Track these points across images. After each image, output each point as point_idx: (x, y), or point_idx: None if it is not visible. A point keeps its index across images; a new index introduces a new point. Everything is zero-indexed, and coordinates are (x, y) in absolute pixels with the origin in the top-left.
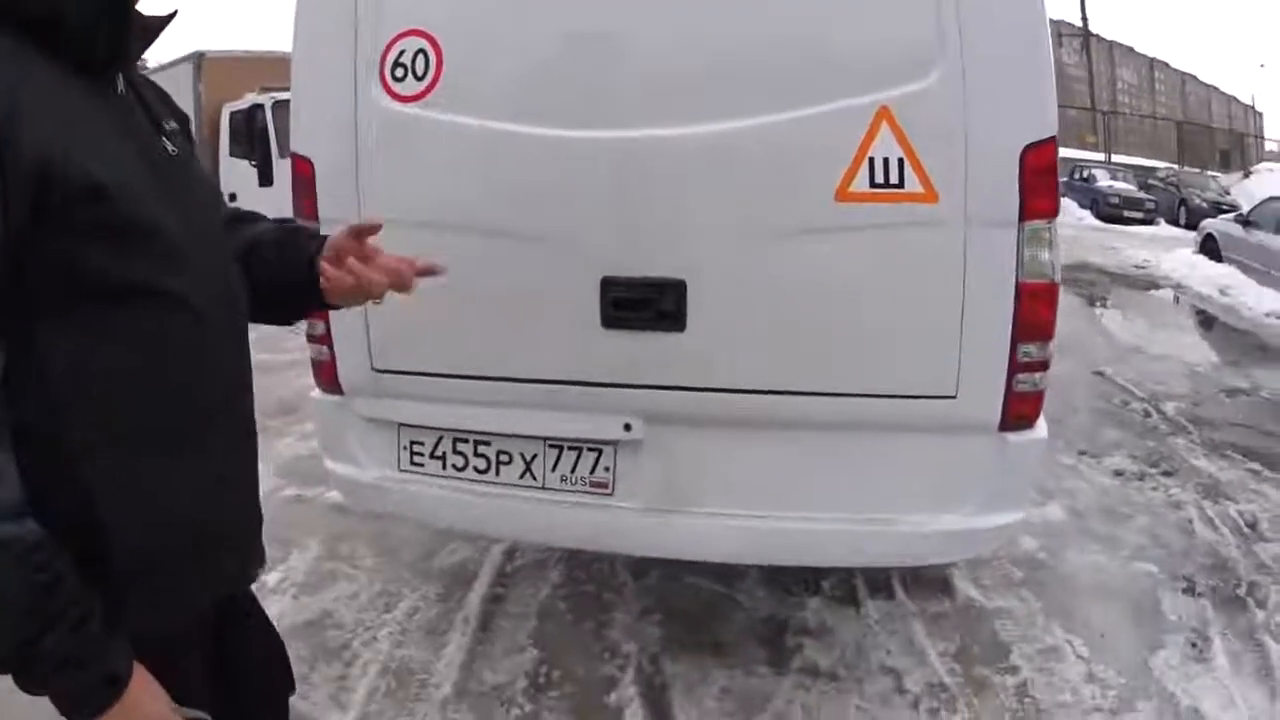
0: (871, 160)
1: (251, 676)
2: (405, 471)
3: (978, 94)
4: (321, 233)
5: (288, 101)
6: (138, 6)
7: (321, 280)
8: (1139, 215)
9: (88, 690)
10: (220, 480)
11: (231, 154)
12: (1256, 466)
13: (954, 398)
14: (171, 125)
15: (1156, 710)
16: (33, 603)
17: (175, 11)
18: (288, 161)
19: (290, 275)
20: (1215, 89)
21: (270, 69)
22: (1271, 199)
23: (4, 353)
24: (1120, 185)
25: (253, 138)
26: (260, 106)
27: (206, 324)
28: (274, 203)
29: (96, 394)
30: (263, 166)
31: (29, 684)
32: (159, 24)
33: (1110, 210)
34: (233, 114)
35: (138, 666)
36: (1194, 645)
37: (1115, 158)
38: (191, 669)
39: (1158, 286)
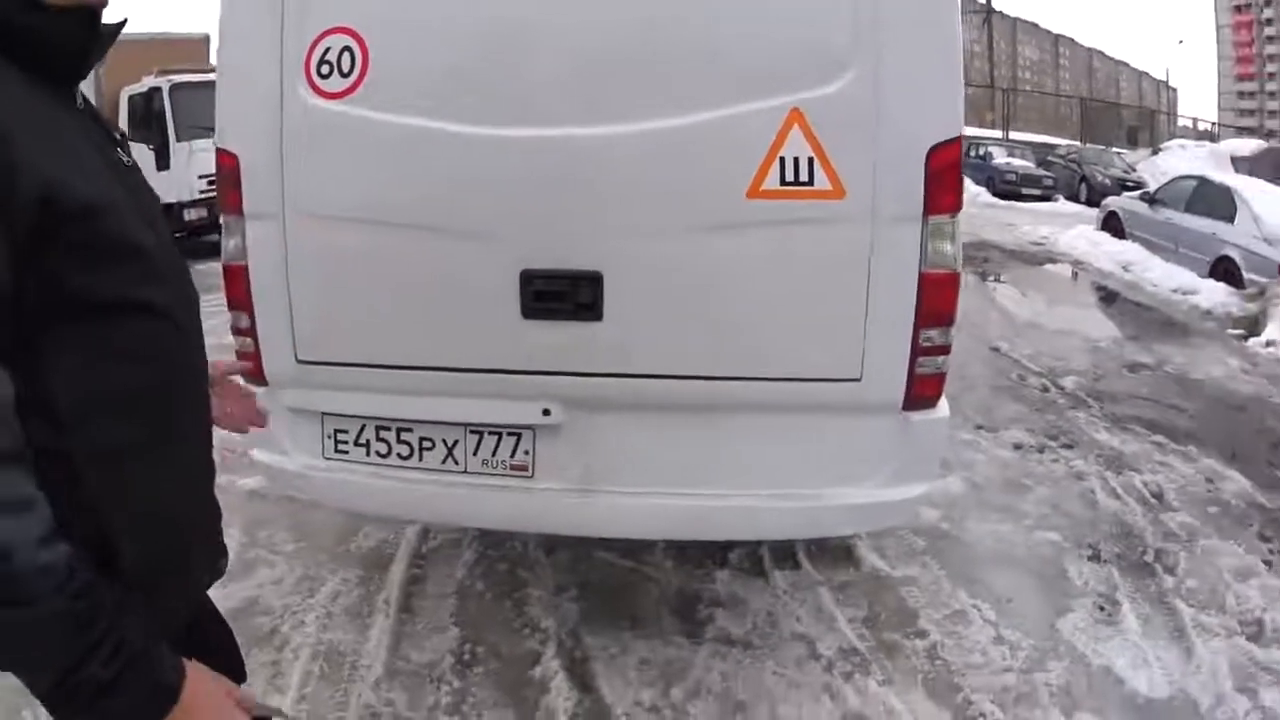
0: (782, 159)
1: (213, 667)
2: (330, 459)
3: (888, 96)
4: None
5: (186, 85)
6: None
7: None
8: (1036, 192)
9: (137, 707)
10: (199, 478)
11: (130, 138)
12: (1161, 439)
13: (859, 380)
14: (118, 134)
15: (1068, 669)
16: (74, 631)
17: (125, 20)
18: (185, 145)
19: None
20: (1125, 65)
21: (169, 52)
22: (1181, 177)
23: (13, 382)
24: (1018, 162)
25: (150, 121)
26: (158, 89)
27: (182, 330)
28: (171, 186)
29: (95, 409)
30: (160, 150)
31: (72, 713)
32: (113, 32)
33: (1006, 187)
34: (131, 97)
35: (192, 665)
36: (1102, 609)
37: (1015, 135)
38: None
39: (1056, 262)
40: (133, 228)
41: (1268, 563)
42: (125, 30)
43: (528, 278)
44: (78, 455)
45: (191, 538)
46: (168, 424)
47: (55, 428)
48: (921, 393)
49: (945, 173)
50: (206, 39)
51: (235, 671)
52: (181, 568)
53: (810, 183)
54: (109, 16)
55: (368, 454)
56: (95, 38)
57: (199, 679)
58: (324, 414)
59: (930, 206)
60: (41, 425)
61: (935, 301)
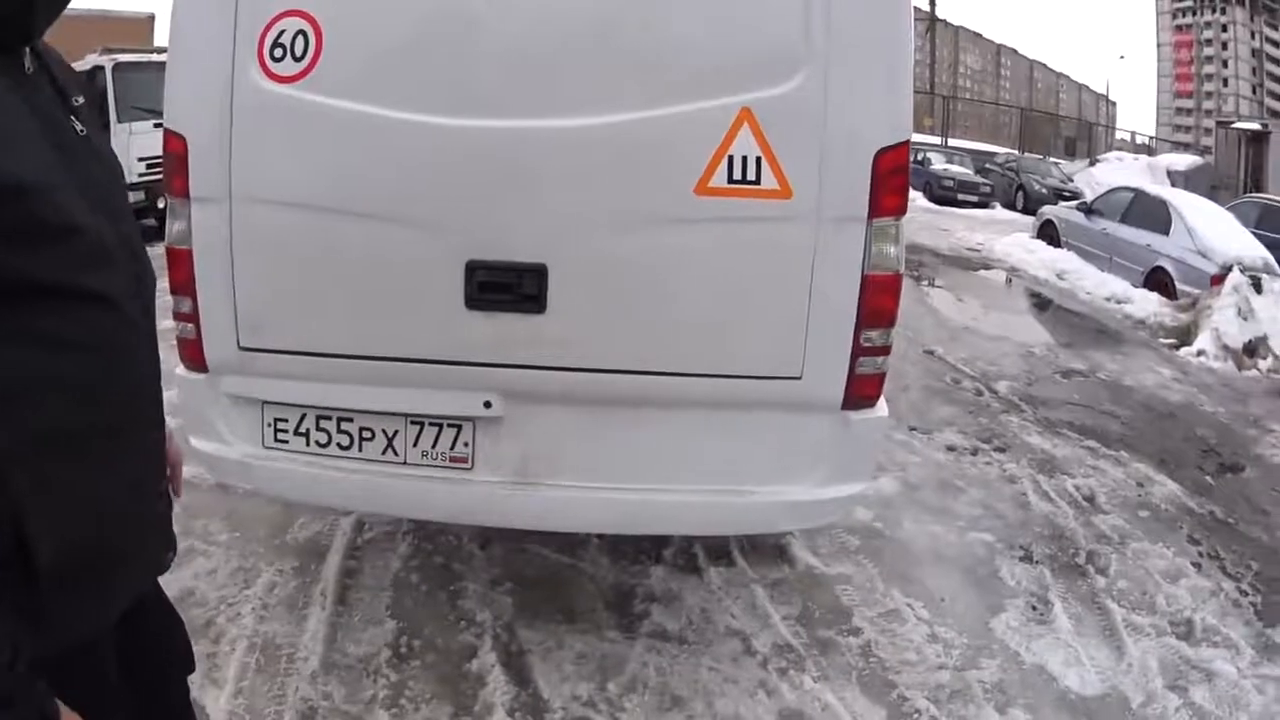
0: (731, 158)
1: (154, 655)
2: (270, 448)
3: (838, 99)
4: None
5: (130, 64)
6: None
7: None
8: (973, 199)
9: None
10: (143, 476)
11: None
12: (1093, 444)
13: (799, 379)
14: (78, 100)
15: (1001, 667)
16: None
17: None
18: (125, 127)
19: None
20: (1066, 77)
21: (114, 30)
22: (1117, 188)
23: None
24: (955, 168)
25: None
26: (101, 68)
27: (125, 318)
28: None
29: (22, 400)
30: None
31: None
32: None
33: (943, 193)
34: None
35: (58, 703)
36: (1034, 608)
37: (954, 142)
38: (106, 655)
39: (991, 269)
40: (73, 209)
41: (1197, 564)
42: (71, 6)
43: (472, 268)
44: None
45: (131, 531)
46: (106, 419)
47: None
48: (861, 392)
49: (891, 176)
50: (152, 18)
51: (180, 662)
52: (117, 562)
53: (757, 182)
54: None
55: (307, 443)
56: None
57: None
58: (264, 402)
59: (875, 209)
60: None
61: (877, 302)
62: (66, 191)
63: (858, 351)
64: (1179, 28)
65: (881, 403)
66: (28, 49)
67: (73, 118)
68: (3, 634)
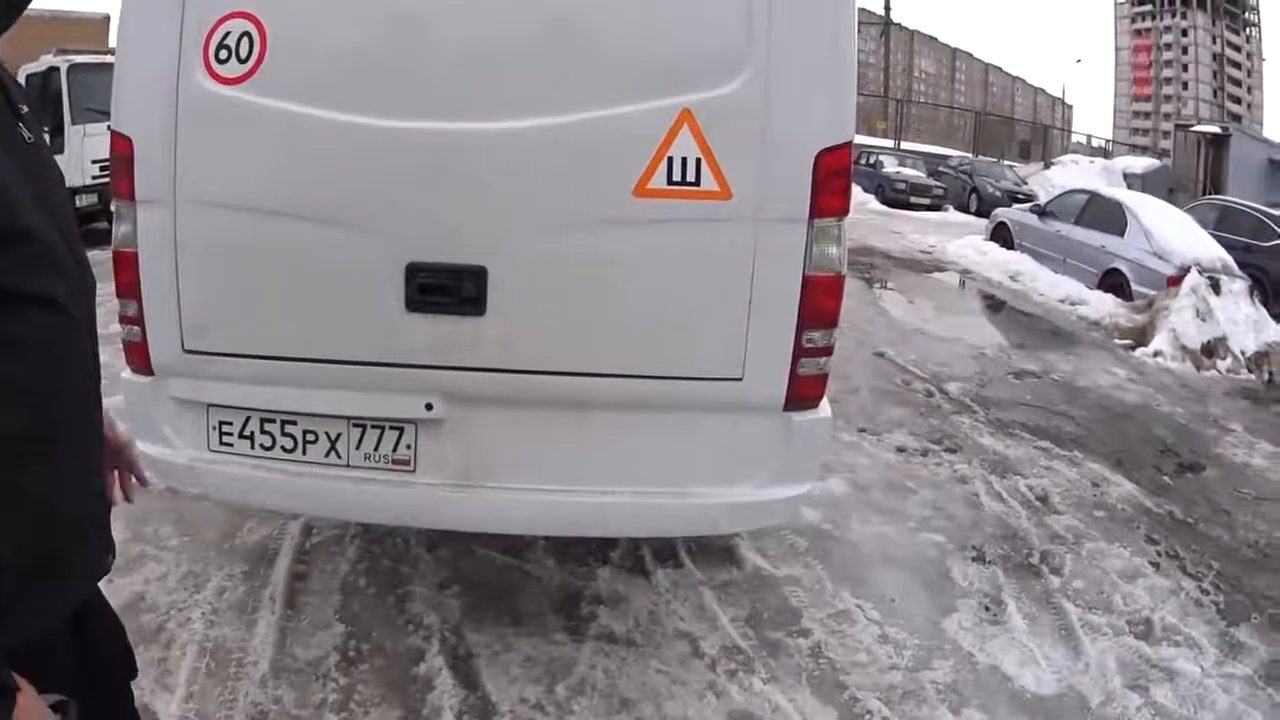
0: (670, 159)
1: (95, 660)
2: (215, 451)
3: (779, 100)
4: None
5: (84, 65)
6: None
7: None
8: (926, 201)
9: None
10: (86, 473)
11: None
12: (1046, 444)
13: (740, 380)
14: (24, 108)
15: (954, 668)
16: None
17: None
18: (79, 129)
19: None
20: (1021, 80)
21: (69, 31)
22: (1072, 191)
23: None
24: (908, 171)
25: (46, 102)
26: (56, 70)
27: (69, 321)
28: (63, 169)
29: None
30: (53, 133)
31: None
32: (19, 4)
33: (896, 195)
34: (29, 76)
35: (17, 680)
36: (987, 609)
37: (907, 145)
38: (61, 655)
39: (944, 271)
40: (23, 212)
41: (1155, 564)
42: (27, 8)
43: (412, 270)
44: None
45: (72, 535)
46: (52, 419)
47: None
48: (803, 393)
49: (833, 177)
50: (107, 19)
51: (122, 667)
52: (59, 567)
53: (697, 183)
54: None
55: (252, 446)
56: None
57: (26, 690)
58: (209, 405)
59: (816, 209)
60: None
61: (818, 303)
62: (18, 196)
63: (799, 353)
64: (1138, 31)
65: (825, 404)
66: None
67: (20, 124)
68: None
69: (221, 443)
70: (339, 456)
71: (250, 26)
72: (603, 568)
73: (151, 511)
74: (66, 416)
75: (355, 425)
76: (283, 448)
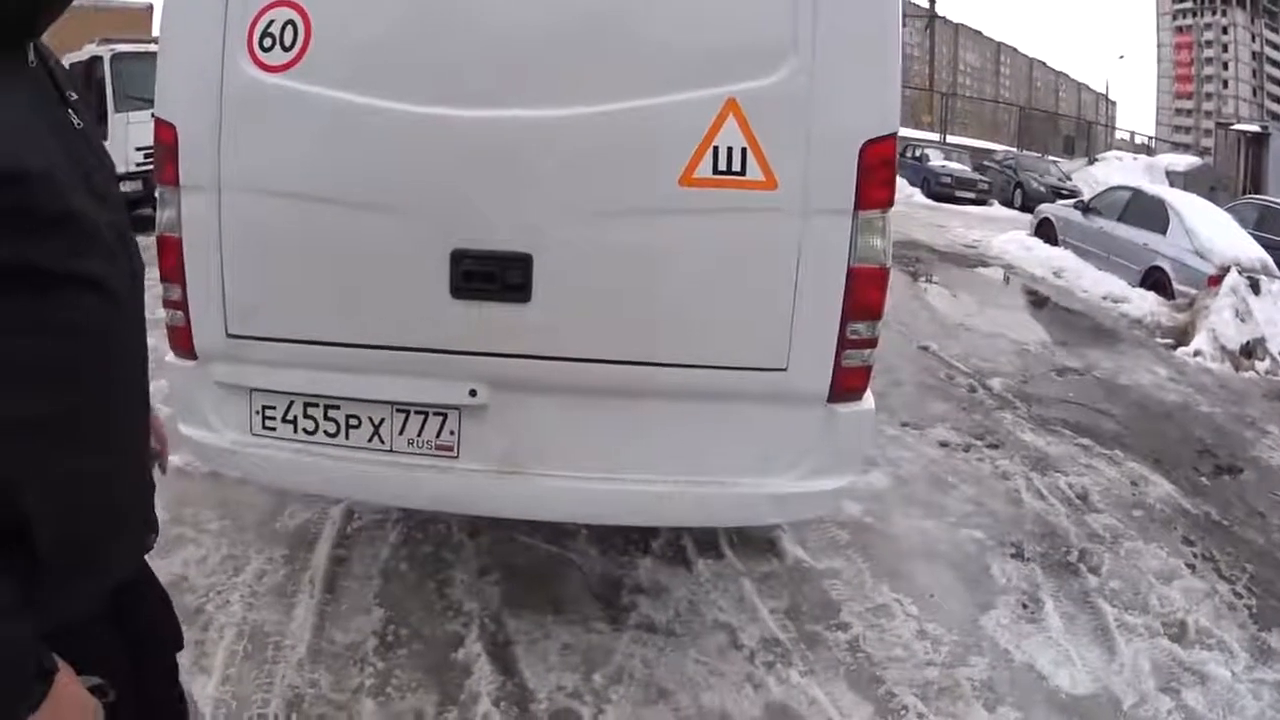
0: (716, 149)
1: (142, 633)
2: (258, 436)
3: (824, 91)
4: None
5: (127, 54)
6: None
7: None
8: (971, 196)
9: (25, 686)
10: (131, 457)
11: None
12: (1087, 442)
13: (785, 370)
14: (73, 95)
15: (990, 665)
16: None
17: None
18: (123, 117)
19: None
20: (1066, 75)
21: (112, 20)
22: (1115, 187)
23: None
24: (954, 165)
25: (90, 90)
26: (99, 59)
27: (119, 305)
28: None
29: (19, 383)
30: (97, 120)
31: None
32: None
33: (941, 189)
34: (72, 65)
35: (58, 661)
36: (1025, 606)
37: (952, 139)
38: (103, 633)
39: (988, 266)
40: (70, 196)
41: (1191, 566)
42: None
43: (458, 257)
44: None
45: (118, 515)
46: (99, 403)
47: None
48: (847, 385)
49: (878, 168)
50: (150, 9)
51: (168, 639)
52: (103, 547)
53: (742, 173)
54: None
55: (295, 431)
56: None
57: (66, 671)
58: (252, 390)
59: (861, 201)
60: None
61: (863, 295)
62: (67, 180)
63: (843, 344)
64: (1179, 29)
65: (868, 396)
66: (31, 44)
67: (70, 111)
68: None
69: (264, 427)
70: (382, 442)
71: (294, 15)
72: (644, 557)
73: (192, 495)
74: (115, 399)
75: (399, 411)
76: (325, 432)
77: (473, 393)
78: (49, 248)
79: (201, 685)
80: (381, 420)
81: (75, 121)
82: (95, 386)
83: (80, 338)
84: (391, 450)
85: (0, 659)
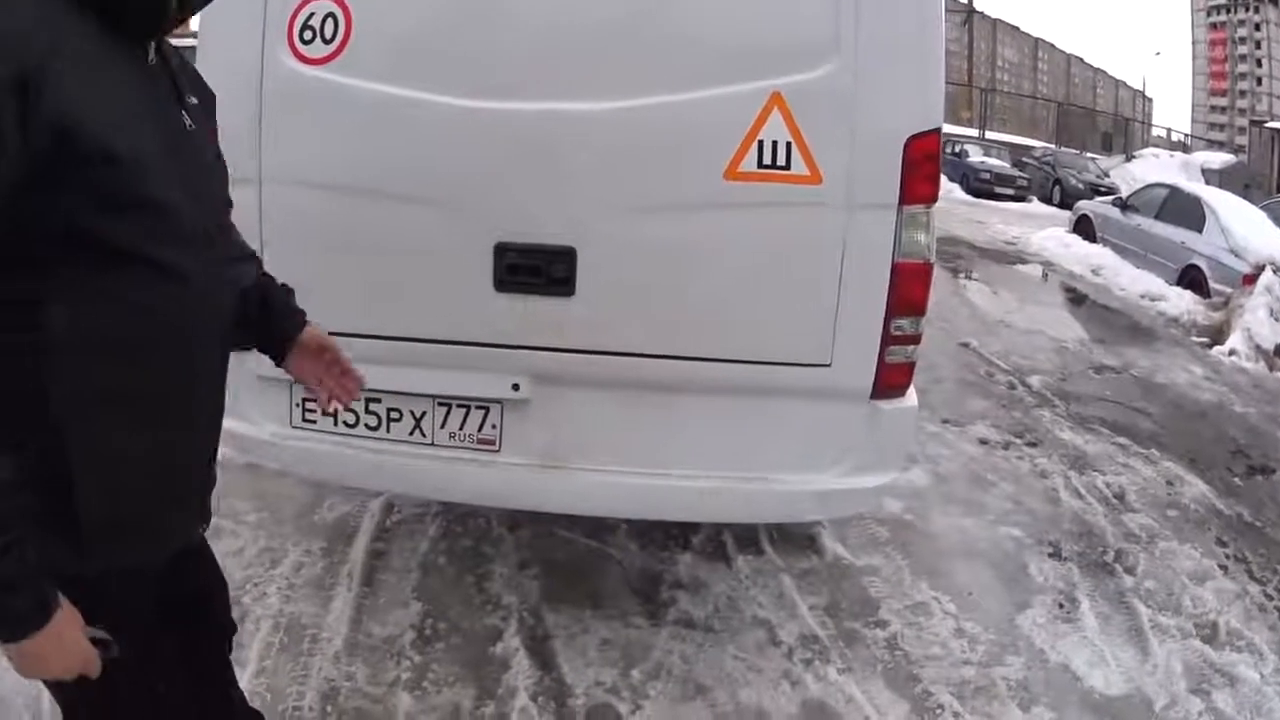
0: (761, 142)
1: (193, 610)
2: (298, 428)
3: (868, 85)
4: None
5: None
6: None
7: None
8: (1010, 192)
9: (21, 612)
10: (192, 449)
11: None
12: (1125, 441)
13: (829, 366)
14: (192, 100)
15: (1026, 665)
16: None
17: None
18: None
19: (264, 339)
20: (1103, 72)
21: None
22: (1152, 185)
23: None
24: (993, 161)
25: None
26: None
27: (200, 298)
28: None
29: (88, 356)
30: None
31: None
32: (199, 3)
33: (981, 185)
34: None
35: (63, 602)
36: (1061, 606)
37: (990, 134)
38: (144, 604)
39: (1027, 262)
40: (160, 185)
41: (1223, 567)
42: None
43: (501, 250)
44: (57, 395)
45: (164, 504)
46: (164, 388)
47: (40, 364)
48: (890, 381)
49: (922, 163)
50: None
51: (221, 620)
52: (144, 530)
53: (787, 167)
54: None
55: (335, 424)
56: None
57: (69, 614)
58: (293, 382)
59: (906, 196)
60: (29, 357)
61: (907, 291)
62: (159, 171)
63: (887, 340)
64: (1213, 25)
65: (911, 392)
66: (153, 44)
67: (184, 112)
68: (13, 527)
69: (305, 420)
70: (423, 435)
71: (334, 7)
72: (684, 553)
73: (230, 487)
74: (177, 383)
75: (440, 404)
76: (366, 425)
77: (515, 386)
78: (125, 229)
79: (236, 676)
80: (423, 414)
81: (187, 123)
82: (158, 368)
83: (148, 318)
84: (433, 444)
85: None
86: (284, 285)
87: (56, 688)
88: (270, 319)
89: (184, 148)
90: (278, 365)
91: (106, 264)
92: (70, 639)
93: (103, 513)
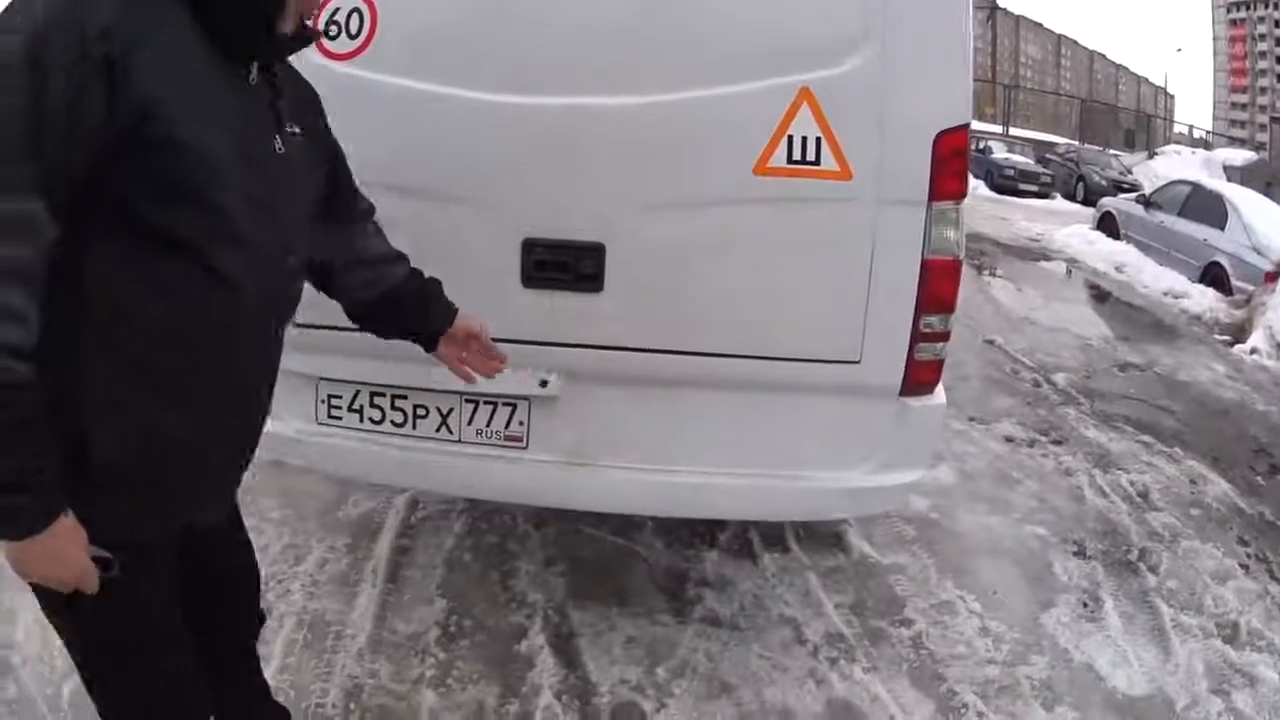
0: (790, 138)
1: (221, 576)
2: (323, 424)
3: (896, 80)
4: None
5: None
6: (283, 25)
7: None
8: (1034, 188)
9: (22, 512)
10: (215, 441)
11: None
12: (1148, 439)
13: (858, 363)
14: (292, 130)
15: (1050, 664)
16: None
17: (318, 34)
18: None
19: (418, 332)
20: (1125, 69)
21: None
22: (1176, 182)
23: (57, 237)
24: (1017, 158)
25: None
26: None
27: (245, 307)
28: None
29: (121, 324)
30: None
31: None
32: (301, 43)
33: (1005, 182)
34: None
35: (69, 515)
36: (1085, 605)
37: (1014, 131)
38: (151, 583)
39: (1051, 259)
40: (224, 188)
41: (1245, 566)
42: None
43: (529, 246)
44: (85, 353)
45: (175, 483)
46: (193, 378)
47: (75, 321)
48: (919, 378)
49: (951, 159)
50: None
51: (251, 601)
52: (153, 499)
53: (817, 162)
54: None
55: (361, 420)
56: (258, 27)
57: (72, 530)
58: (319, 379)
59: (935, 192)
60: (64, 311)
61: (936, 288)
62: (226, 174)
63: (917, 337)
64: (1233, 21)
65: (939, 390)
66: (254, 65)
67: (277, 136)
68: (40, 441)
69: (330, 416)
70: (450, 432)
71: (359, 3)
72: (710, 550)
73: (254, 483)
74: (207, 382)
75: (467, 401)
76: (392, 422)
77: (543, 383)
78: (183, 222)
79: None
80: (450, 410)
81: (278, 147)
82: (194, 358)
83: (191, 313)
84: (459, 440)
85: None
86: (433, 279)
87: (70, 648)
88: (428, 318)
89: (268, 167)
90: (427, 353)
91: (162, 254)
92: (70, 553)
93: (110, 478)
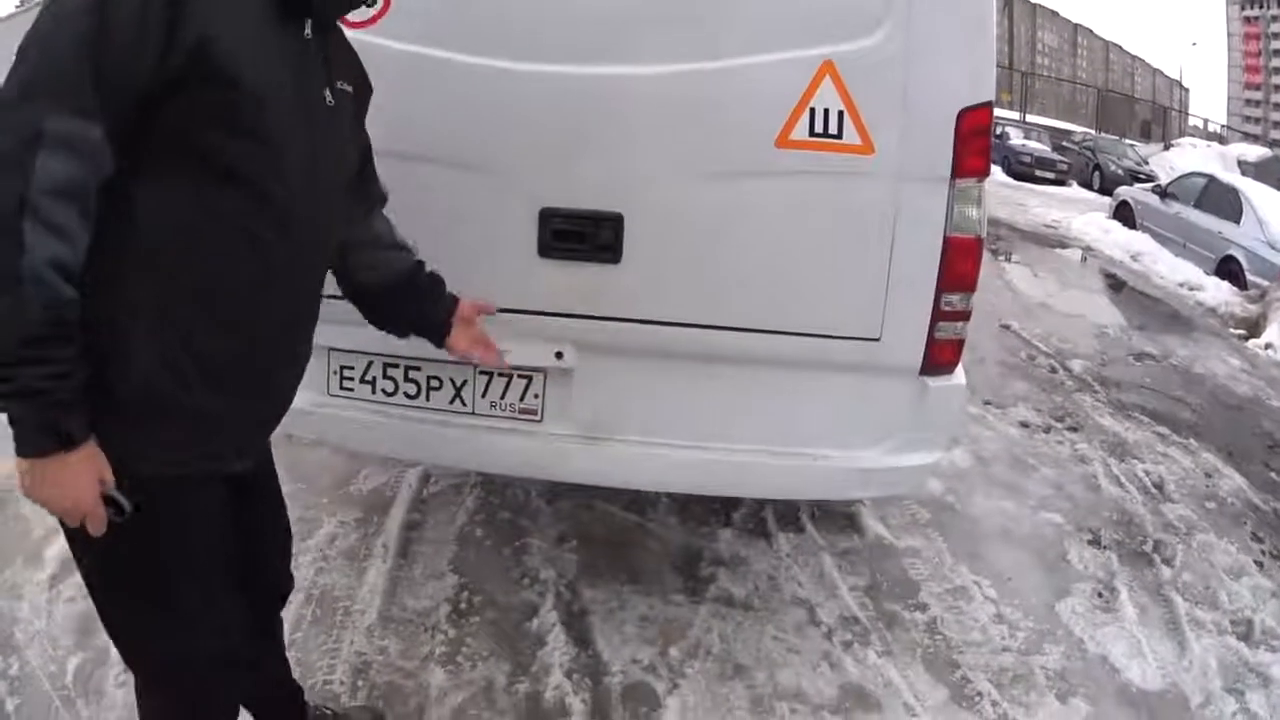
0: (813, 110)
1: (252, 530)
2: (335, 396)
3: (920, 55)
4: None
5: None
6: None
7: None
8: (1051, 176)
9: (38, 431)
10: (255, 373)
11: None
12: (1164, 430)
13: (878, 340)
14: (342, 86)
15: (1065, 654)
16: (27, 335)
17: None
18: None
19: (423, 324)
20: (1141, 60)
21: None
22: (1192, 173)
23: (113, 157)
24: (1034, 145)
25: None
26: None
27: (290, 241)
28: None
29: (172, 251)
30: None
31: None
32: (351, 4)
33: (1022, 168)
34: None
35: (92, 444)
36: (1100, 595)
37: (1031, 118)
38: (205, 502)
39: (1067, 246)
40: (276, 124)
41: (1259, 563)
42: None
43: (547, 216)
44: (136, 277)
45: (208, 417)
46: (238, 308)
47: (126, 246)
48: (940, 358)
49: (974, 136)
50: None
51: (283, 552)
52: (182, 431)
53: (839, 136)
54: None
55: (373, 392)
56: None
57: (89, 458)
58: (330, 349)
59: (958, 169)
60: (116, 238)
61: (958, 266)
62: (279, 113)
63: (938, 315)
64: (1247, 19)
65: (959, 370)
66: (308, 21)
67: (327, 89)
68: (71, 360)
69: (342, 387)
70: (463, 404)
71: None
72: (724, 529)
73: None
74: (251, 315)
75: (482, 373)
76: (405, 394)
77: (559, 355)
78: (236, 152)
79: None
80: (464, 382)
81: (327, 98)
82: (244, 291)
83: (242, 242)
84: (473, 413)
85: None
86: (435, 273)
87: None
88: (423, 310)
89: (315, 117)
90: (437, 347)
91: (207, 177)
92: (81, 484)
93: (144, 399)
